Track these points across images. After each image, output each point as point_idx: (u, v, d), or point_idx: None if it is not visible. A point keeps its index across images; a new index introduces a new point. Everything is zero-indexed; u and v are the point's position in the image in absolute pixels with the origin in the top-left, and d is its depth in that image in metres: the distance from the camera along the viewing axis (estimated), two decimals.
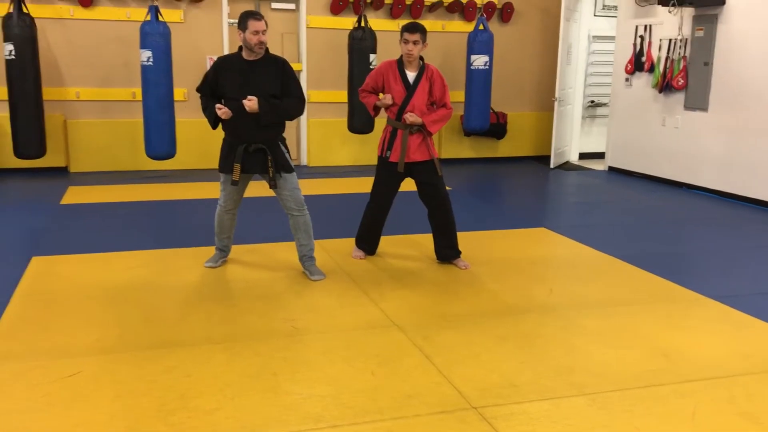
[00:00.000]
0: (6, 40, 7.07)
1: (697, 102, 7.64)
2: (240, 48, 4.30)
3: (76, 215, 6.19)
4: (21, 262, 4.71)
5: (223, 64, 4.35)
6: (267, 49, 4.30)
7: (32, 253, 4.91)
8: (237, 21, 4.28)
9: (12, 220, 6.01)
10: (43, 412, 2.79)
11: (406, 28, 4.56)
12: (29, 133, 7.29)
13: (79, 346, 3.41)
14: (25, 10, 7.13)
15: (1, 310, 3.84)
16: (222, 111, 4.21)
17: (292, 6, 8.76)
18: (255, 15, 4.21)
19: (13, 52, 7.06)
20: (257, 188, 4.89)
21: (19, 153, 7.36)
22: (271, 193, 4.43)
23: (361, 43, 8.10)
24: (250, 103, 4.15)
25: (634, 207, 7.05)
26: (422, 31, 4.55)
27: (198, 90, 4.43)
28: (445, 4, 9.10)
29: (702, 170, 7.64)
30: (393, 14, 8.92)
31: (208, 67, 4.41)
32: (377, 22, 8.61)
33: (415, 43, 4.53)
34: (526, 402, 2.94)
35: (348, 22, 8.59)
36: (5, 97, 7.32)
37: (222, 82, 4.30)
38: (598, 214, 6.81)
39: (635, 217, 6.61)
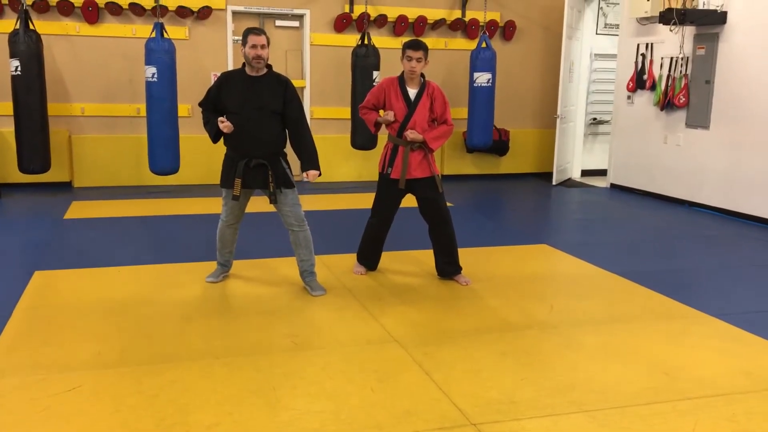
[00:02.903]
0: (12, 56, 7.14)
1: (699, 120, 7.66)
2: (244, 64, 4.34)
3: (79, 230, 6.22)
4: (23, 276, 4.73)
5: (226, 79, 4.39)
6: (270, 67, 4.35)
7: (35, 268, 4.93)
8: (241, 38, 4.33)
9: (15, 235, 6.04)
10: (43, 425, 2.79)
11: (409, 45, 4.58)
12: (34, 148, 7.33)
13: (80, 361, 3.42)
14: (31, 27, 7.20)
15: (2, 324, 3.86)
16: (224, 124, 4.25)
17: (296, 23, 8.84)
18: (255, 30, 4.29)
19: (19, 68, 7.12)
20: (259, 203, 4.91)
21: (23, 168, 7.41)
22: (272, 208, 4.46)
23: (365, 60, 8.17)
24: (315, 173, 4.38)
25: (636, 224, 7.05)
26: (425, 48, 4.58)
27: (200, 105, 4.47)
28: (448, 22, 9.17)
29: (703, 187, 7.65)
30: (396, 32, 8.98)
31: (213, 84, 4.45)
32: (380, 39, 8.67)
33: (418, 60, 4.56)
34: (525, 419, 2.93)
35: (351, 39, 8.65)
36: (11, 112, 7.36)
37: (224, 96, 4.34)
38: (599, 231, 6.81)
39: (637, 234, 6.61)
